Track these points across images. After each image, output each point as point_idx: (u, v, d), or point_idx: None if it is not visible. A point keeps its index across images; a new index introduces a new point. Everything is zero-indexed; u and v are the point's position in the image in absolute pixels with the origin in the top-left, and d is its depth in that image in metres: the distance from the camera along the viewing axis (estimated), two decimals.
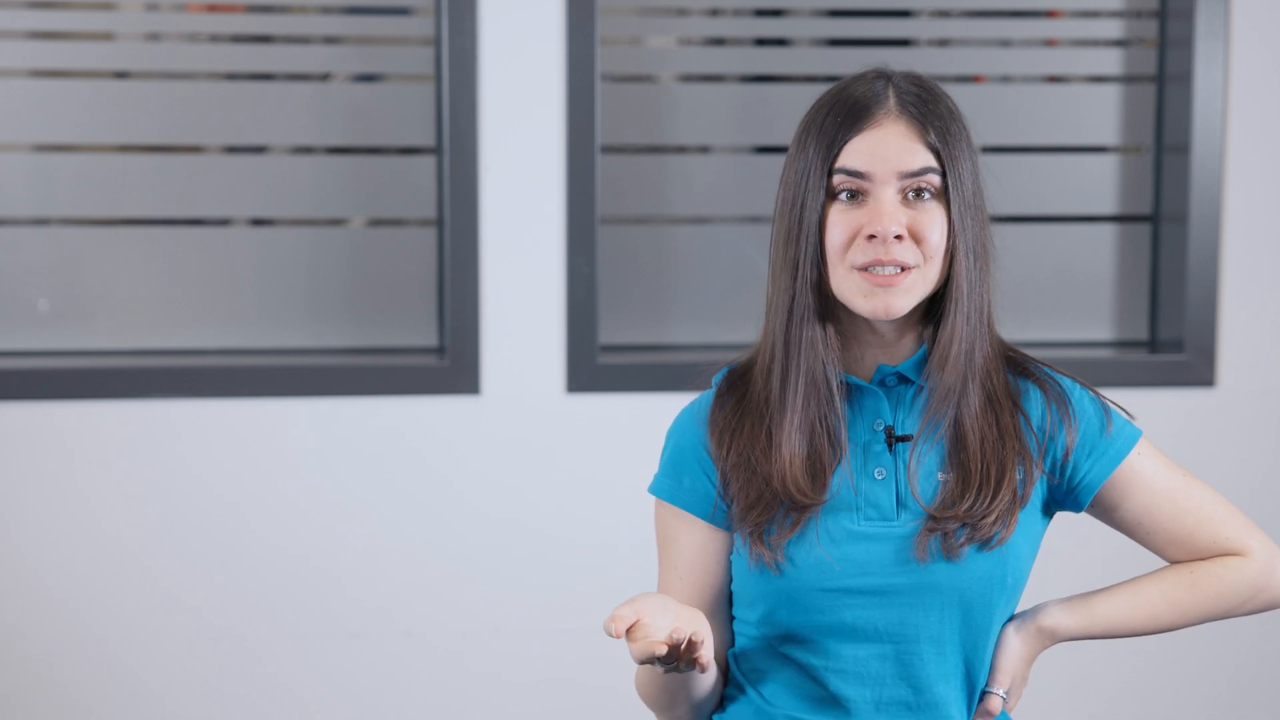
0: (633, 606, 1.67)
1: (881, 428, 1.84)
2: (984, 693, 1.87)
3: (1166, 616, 1.89)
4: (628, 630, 1.67)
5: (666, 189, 3.28)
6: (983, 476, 1.80)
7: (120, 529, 3.09)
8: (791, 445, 1.81)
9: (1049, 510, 1.88)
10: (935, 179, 1.78)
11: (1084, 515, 1.91)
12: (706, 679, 1.87)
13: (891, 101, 1.80)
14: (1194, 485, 1.89)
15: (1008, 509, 1.80)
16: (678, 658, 1.70)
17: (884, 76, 1.82)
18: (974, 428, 1.81)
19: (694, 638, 1.68)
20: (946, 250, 1.79)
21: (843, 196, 1.79)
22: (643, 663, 1.70)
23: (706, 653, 1.72)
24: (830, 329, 1.82)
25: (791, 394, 1.81)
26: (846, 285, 1.78)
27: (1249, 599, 1.90)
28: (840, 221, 1.78)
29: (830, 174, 1.79)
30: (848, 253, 1.78)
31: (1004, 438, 1.82)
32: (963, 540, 1.79)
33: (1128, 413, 1.91)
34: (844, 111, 1.80)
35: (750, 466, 1.83)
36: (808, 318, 1.81)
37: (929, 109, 1.80)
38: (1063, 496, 1.87)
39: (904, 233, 1.77)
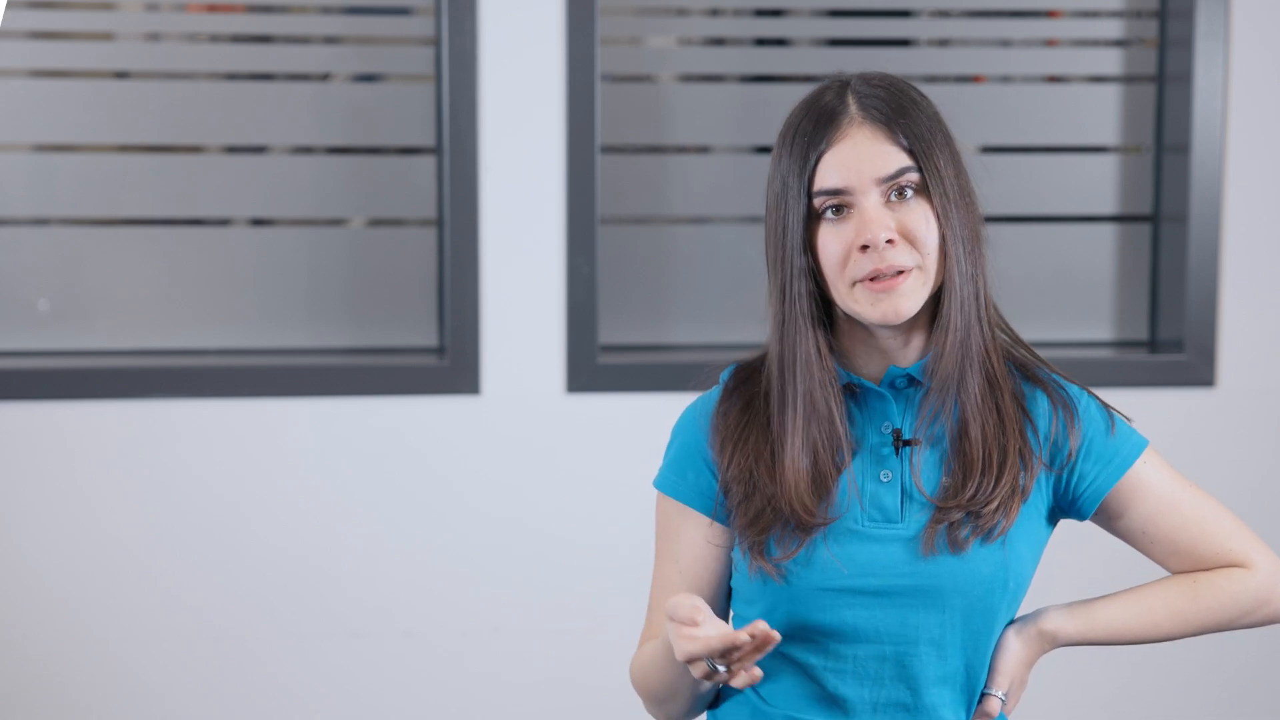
0: (692, 603, 1.67)
1: (889, 430, 1.84)
2: (982, 694, 1.87)
3: (1167, 625, 1.89)
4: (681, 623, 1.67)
5: (666, 189, 3.28)
6: (984, 462, 1.80)
7: (120, 529, 3.09)
8: (796, 466, 1.80)
9: (1053, 518, 1.88)
10: (914, 176, 1.78)
11: (1087, 524, 1.91)
12: None
13: (853, 109, 1.79)
14: (1200, 497, 1.89)
15: (1009, 496, 1.80)
16: (734, 660, 1.68)
17: (842, 84, 1.81)
18: (975, 415, 1.81)
19: (770, 635, 1.66)
20: (940, 243, 1.79)
21: (828, 214, 1.78)
22: (692, 660, 1.68)
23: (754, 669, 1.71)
24: (824, 345, 1.81)
25: (791, 415, 1.81)
26: (851, 300, 1.78)
27: (1250, 612, 1.89)
28: (831, 239, 1.78)
29: (810, 196, 1.78)
30: (845, 268, 1.77)
31: (1004, 422, 1.82)
32: (967, 533, 1.79)
33: (1132, 423, 1.90)
34: (810, 129, 1.79)
35: (752, 482, 1.82)
36: (800, 339, 1.80)
37: (893, 108, 1.79)
38: (1068, 504, 1.87)
39: (895, 236, 1.76)
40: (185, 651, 3.12)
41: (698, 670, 1.68)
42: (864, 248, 1.76)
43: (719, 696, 1.92)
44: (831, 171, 1.77)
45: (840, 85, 1.81)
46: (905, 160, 1.77)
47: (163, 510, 3.10)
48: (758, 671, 1.68)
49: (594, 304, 3.15)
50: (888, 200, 1.78)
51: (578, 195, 3.13)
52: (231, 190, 3.20)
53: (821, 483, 1.81)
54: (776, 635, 1.65)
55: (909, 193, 1.78)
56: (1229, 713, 3.36)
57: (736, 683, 1.68)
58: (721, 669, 1.67)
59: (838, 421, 1.81)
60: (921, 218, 1.77)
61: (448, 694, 3.18)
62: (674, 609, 1.68)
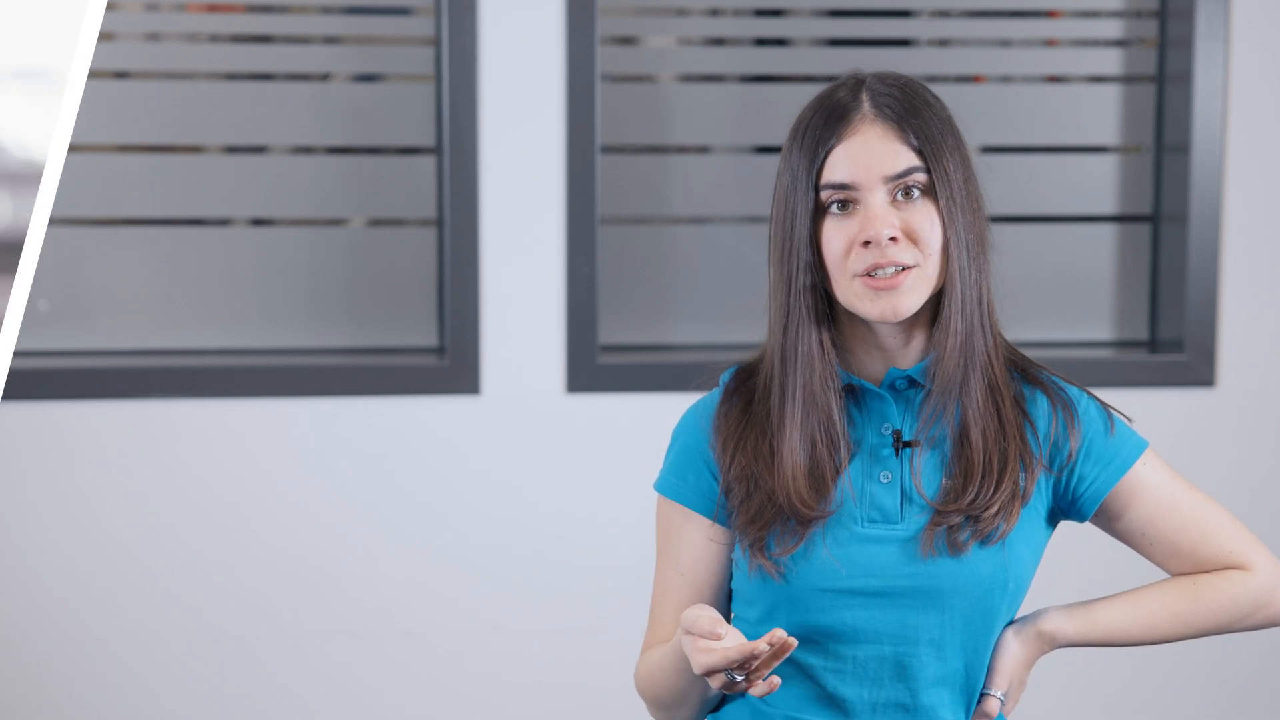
0: (710, 616, 1.68)
1: (889, 432, 1.84)
2: (981, 694, 1.87)
3: (1167, 627, 1.89)
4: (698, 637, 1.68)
5: (666, 189, 3.28)
6: (985, 467, 1.80)
7: (120, 529, 3.09)
8: (793, 459, 1.81)
9: (1053, 519, 1.88)
10: (921, 176, 1.78)
11: (1087, 525, 1.91)
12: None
13: (866, 106, 1.80)
14: (1200, 499, 1.89)
15: (1009, 501, 1.80)
16: (751, 670, 1.68)
17: (858, 81, 1.82)
18: (976, 419, 1.81)
19: (788, 641, 1.66)
20: (944, 246, 1.79)
21: (834, 209, 1.79)
22: (710, 673, 1.68)
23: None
24: (827, 340, 1.82)
25: (790, 408, 1.82)
26: (851, 294, 1.78)
27: (1250, 614, 1.89)
28: (835, 234, 1.79)
29: (818, 189, 1.79)
30: (847, 262, 1.78)
31: (1005, 427, 1.82)
32: (966, 535, 1.79)
33: (1132, 424, 1.90)
34: (822, 123, 1.80)
35: (753, 479, 1.83)
36: (803, 332, 1.81)
37: (906, 108, 1.79)
38: (1068, 505, 1.87)
39: (898, 234, 1.77)
40: (185, 651, 3.12)
41: (716, 682, 1.68)
42: (866, 243, 1.76)
43: (721, 699, 1.92)
44: (840, 166, 1.78)
45: (855, 82, 1.82)
46: (914, 160, 1.78)
47: (163, 510, 3.10)
48: (776, 679, 1.68)
49: (594, 304, 3.15)
50: (894, 199, 1.78)
51: (578, 195, 3.13)
52: (231, 190, 3.20)
53: (820, 476, 1.81)
54: (794, 641, 1.65)
55: (915, 193, 1.78)
56: (1229, 713, 3.36)
57: (756, 692, 1.68)
58: (740, 679, 1.67)
59: (836, 417, 1.81)
60: (926, 218, 1.78)
61: (448, 694, 3.18)
62: (693, 623, 1.68)
